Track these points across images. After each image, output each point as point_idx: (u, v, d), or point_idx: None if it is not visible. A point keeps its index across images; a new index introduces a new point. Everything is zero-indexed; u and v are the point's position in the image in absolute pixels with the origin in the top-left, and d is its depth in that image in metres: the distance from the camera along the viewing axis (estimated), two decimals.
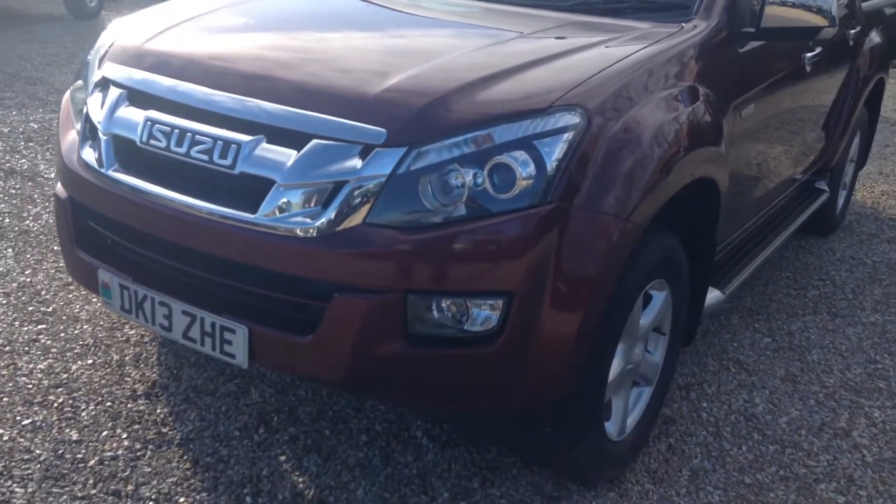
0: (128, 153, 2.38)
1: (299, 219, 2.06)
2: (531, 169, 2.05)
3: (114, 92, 2.48)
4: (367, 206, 2.03)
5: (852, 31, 4.26)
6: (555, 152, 2.07)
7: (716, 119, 2.67)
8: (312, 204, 2.05)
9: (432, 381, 2.16)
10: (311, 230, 2.05)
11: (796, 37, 3.04)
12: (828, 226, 4.99)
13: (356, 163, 2.04)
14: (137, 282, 2.36)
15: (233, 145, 2.15)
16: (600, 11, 2.84)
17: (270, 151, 2.12)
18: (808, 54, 3.50)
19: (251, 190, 2.12)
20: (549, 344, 2.13)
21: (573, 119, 2.11)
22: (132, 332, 3.32)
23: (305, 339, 2.11)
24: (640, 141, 2.26)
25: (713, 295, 3.12)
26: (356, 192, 2.03)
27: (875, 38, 4.76)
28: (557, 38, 2.58)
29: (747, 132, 3.05)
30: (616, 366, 2.44)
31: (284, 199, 2.08)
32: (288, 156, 2.09)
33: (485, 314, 2.08)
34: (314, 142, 2.08)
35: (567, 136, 2.09)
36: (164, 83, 2.37)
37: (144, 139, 2.31)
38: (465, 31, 2.80)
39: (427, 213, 2.04)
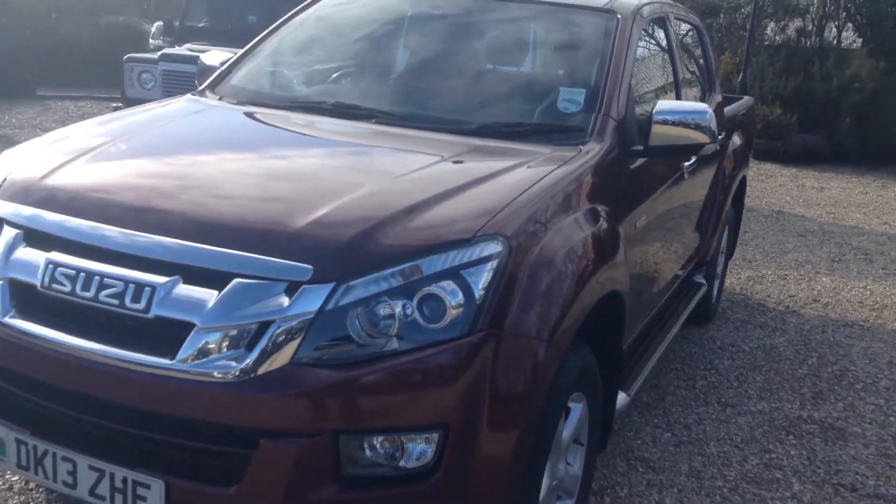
0: (26, 298, 2.25)
1: (222, 362, 1.99)
2: (460, 298, 2.07)
3: (8, 232, 2.34)
4: (293, 346, 1.98)
5: (719, 137, 4.58)
6: (481, 281, 2.10)
7: (615, 235, 2.79)
8: (236, 346, 1.99)
9: None
10: (235, 374, 1.98)
11: (681, 153, 3.25)
12: (706, 315, 5.25)
13: (282, 301, 2.00)
14: (37, 436, 2.19)
15: (146, 288, 2.07)
16: (502, 136, 2.93)
17: (188, 293, 2.06)
18: (686, 163, 3.73)
19: (168, 334, 2.04)
20: (485, 471, 2.12)
21: (496, 248, 2.16)
22: (15, 477, 3.07)
23: (230, 490, 2.02)
24: (555, 264, 2.33)
25: (620, 398, 3.21)
26: (282, 332, 1.98)
27: (737, 140, 5.14)
28: (471, 164, 2.65)
29: (641, 241, 3.20)
30: (545, 484, 2.44)
31: (205, 343, 2.01)
32: (207, 297, 2.03)
33: (420, 448, 2.05)
34: (236, 281, 2.03)
35: (491, 264, 2.13)
36: (65, 222, 2.27)
37: (46, 283, 2.18)
38: (380, 156, 2.83)
39: (357, 348, 2.02)
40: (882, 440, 3.91)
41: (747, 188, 9.31)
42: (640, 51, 3.50)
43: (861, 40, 16.03)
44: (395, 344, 2.02)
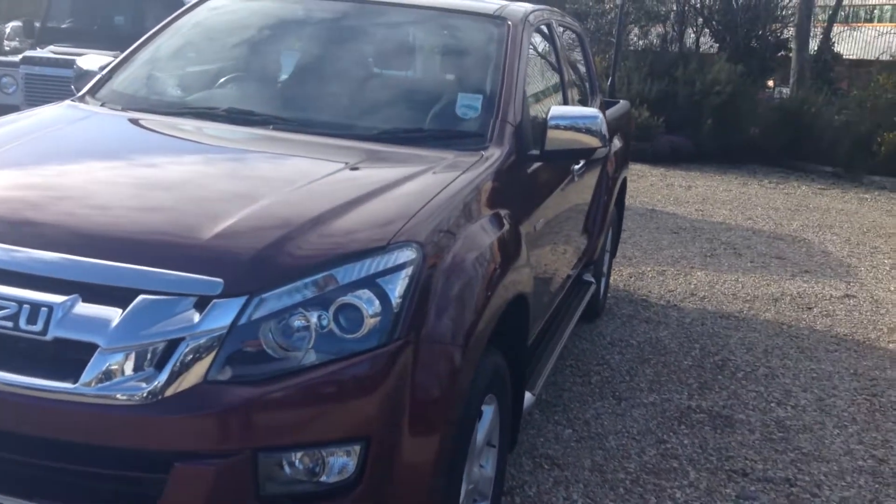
0: None
1: (130, 384, 1.89)
2: (377, 307, 2.05)
3: None
4: (206, 363, 1.91)
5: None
6: (397, 288, 2.09)
7: (518, 238, 2.83)
8: (144, 367, 1.90)
9: None
10: (144, 395, 1.89)
11: (575, 157, 3.33)
12: (594, 312, 5.40)
13: (192, 317, 1.92)
14: None
15: (42, 308, 1.94)
16: (402, 141, 2.92)
17: (89, 312, 1.94)
18: (576, 166, 3.83)
19: (69, 357, 1.92)
20: (408, 480, 2.10)
21: (411, 254, 2.14)
22: None
23: None
24: (466, 269, 2.34)
25: (526, 397, 3.25)
26: (193, 349, 1.90)
27: (617, 143, 5.31)
28: (376, 170, 2.63)
29: (540, 243, 3.26)
30: (463, 488, 2.45)
31: (110, 364, 1.90)
32: (111, 315, 1.92)
33: (342, 462, 2.02)
34: (141, 297, 1.93)
35: (407, 271, 2.12)
36: None
37: None
38: (283, 163, 2.76)
39: (273, 362, 1.96)
40: (765, 425, 4.13)
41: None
42: (531, 57, 3.57)
43: (718, 45, 16.97)
44: (312, 357, 1.97)
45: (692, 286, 6.42)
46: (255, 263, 2.00)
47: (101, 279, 1.96)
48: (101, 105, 3.16)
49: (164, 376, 1.88)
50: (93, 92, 3.27)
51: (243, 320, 1.94)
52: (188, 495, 1.90)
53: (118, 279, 1.95)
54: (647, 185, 10.84)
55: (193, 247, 2.02)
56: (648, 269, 6.81)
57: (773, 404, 4.39)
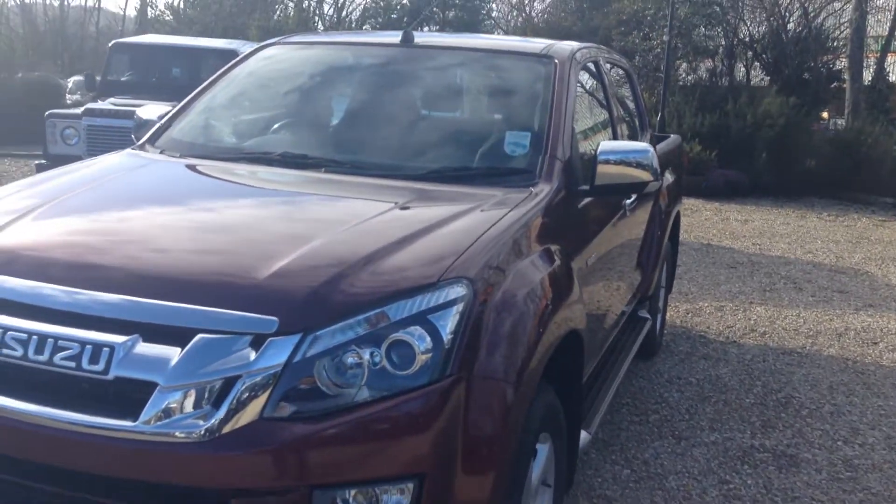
0: None
1: (188, 422, 1.92)
2: (428, 343, 2.05)
3: None
4: (262, 400, 1.93)
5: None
6: (448, 325, 2.09)
7: (570, 274, 2.81)
8: (201, 404, 1.92)
9: None
10: (202, 433, 1.91)
11: (626, 192, 3.31)
12: (651, 349, 5.32)
13: (248, 355, 1.95)
14: None
15: (104, 348, 1.99)
16: (451, 180, 2.94)
17: (149, 351, 1.98)
18: (628, 201, 3.81)
19: (129, 395, 1.96)
20: None
21: (461, 290, 2.14)
22: None
23: None
24: (517, 305, 2.33)
25: (582, 436, 3.20)
26: (249, 387, 1.93)
27: (669, 177, 5.27)
28: (425, 209, 2.65)
29: (592, 279, 3.24)
30: None
31: (169, 402, 1.93)
32: (170, 355, 1.96)
33: (395, 500, 2.01)
34: (199, 337, 1.97)
35: (458, 307, 2.12)
36: (16, 285, 2.16)
37: None
38: (335, 204, 2.80)
39: (327, 399, 1.97)
40: (832, 465, 3.99)
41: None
42: (579, 94, 3.58)
43: (769, 78, 16.81)
44: (365, 393, 1.98)
45: (752, 322, 6.28)
46: (308, 301, 2.03)
47: (160, 319, 2.01)
48: (161, 153, 3.25)
49: (221, 413, 1.91)
50: (152, 141, 3.37)
51: (298, 358, 1.96)
52: None
53: (176, 319, 2.00)
54: (701, 220, 10.71)
55: (249, 286, 2.06)
56: (706, 304, 6.70)
57: (839, 442, 4.25)
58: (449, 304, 2.10)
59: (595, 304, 3.39)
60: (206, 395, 1.92)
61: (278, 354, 1.95)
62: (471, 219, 2.53)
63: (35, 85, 16.15)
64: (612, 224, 3.62)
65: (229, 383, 1.93)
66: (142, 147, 3.34)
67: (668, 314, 6.27)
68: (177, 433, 1.91)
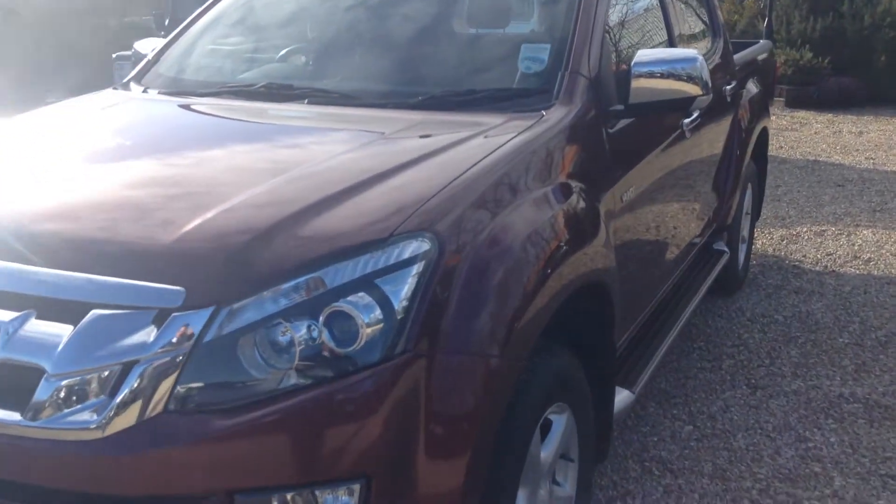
0: None
1: (79, 416, 1.61)
2: (377, 314, 1.67)
3: None
4: (165, 389, 1.60)
5: (728, 87, 4.09)
6: (402, 290, 1.70)
7: (594, 214, 2.36)
8: (95, 395, 1.61)
9: None
10: (94, 430, 1.60)
11: (669, 109, 2.79)
12: (732, 284, 4.77)
13: (149, 334, 1.62)
14: None
15: None
16: (452, 107, 2.51)
17: (39, 331, 1.67)
18: (686, 120, 3.27)
19: (18, 383, 1.66)
20: None
21: (422, 246, 1.75)
22: None
23: None
24: (509, 259, 1.92)
25: (622, 396, 2.79)
26: (150, 373, 1.60)
27: (752, 88, 4.64)
28: (404, 143, 2.24)
29: (632, 215, 2.77)
30: None
31: (58, 392, 1.63)
32: (61, 335, 1.65)
33: (342, 501, 1.66)
34: (93, 313, 1.65)
35: (416, 267, 1.73)
36: None
37: None
38: (296, 143, 2.42)
39: (249, 386, 1.63)
40: None
41: (780, 139, 8.75)
42: None
43: None
44: (293, 378, 1.63)
45: (855, 248, 5.60)
46: (223, 267, 1.68)
47: (52, 292, 1.70)
48: (144, 91, 2.95)
49: (117, 405, 1.60)
50: (138, 78, 3.07)
51: (209, 336, 1.62)
52: None
53: (69, 291, 1.68)
54: (810, 134, 9.78)
55: (153, 250, 1.72)
56: (804, 229, 6.02)
57: None
58: (403, 264, 1.72)
59: (640, 243, 2.92)
60: (101, 384, 1.61)
61: (185, 333, 1.61)
62: (452, 154, 2.11)
63: (128, 29, 16.29)
64: (664, 149, 3.10)
65: (127, 369, 1.61)
66: (125, 85, 3.04)
67: (757, 243, 5.67)
68: (66, 429, 1.61)
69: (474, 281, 1.82)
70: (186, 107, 2.74)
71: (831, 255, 5.49)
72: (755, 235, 5.56)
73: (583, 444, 2.41)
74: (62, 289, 1.68)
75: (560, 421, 2.26)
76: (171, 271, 1.66)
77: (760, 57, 5.17)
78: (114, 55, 8.13)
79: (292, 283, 1.66)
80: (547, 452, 2.20)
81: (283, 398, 1.61)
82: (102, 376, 1.61)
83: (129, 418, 1.59)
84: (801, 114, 11.03)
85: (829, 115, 10.93)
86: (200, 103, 2.73)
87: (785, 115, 10.83)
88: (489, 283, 1.84)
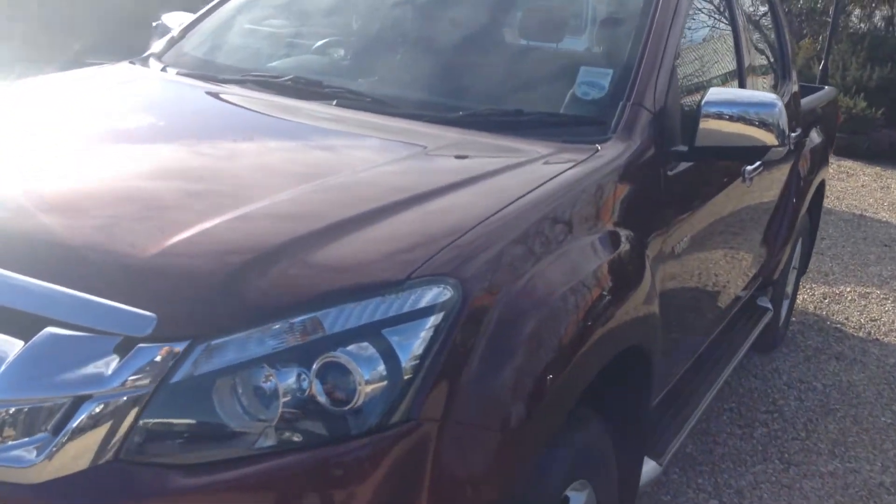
0: None
1: (18, 453, 1.35)
2: (380, 370, 1.40)
3: None
4: (119, 433, 1.34)
5: (793, 134, 3.78)
6: (414, 344, 1.42)
7: (642, 267, 2.08)
8: (38, 429, 1.35)
9: None
10: (31, 472, 1.34)
11: (740, 157, 2.50)
12: (771, 342, 4.45)
13: (107, 365, 1.35)
14: None
15: None
16: (495, 128, 2.22)
17: None
18: (749, 167, 2.97)
19: None
20: None
21: (444, 294, 1.47)
22: None
23: None
24: (542, 318, 1.63)
25: (648, 468, 2.49)
26: (103, 412, 1.34)
27: (815, 137, 4.32)
28: (436, 165, 1.97)
29: (682, 268, 2.48)
30: None
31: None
32: (8, 352, 1.39)
33: None
34: (47, 331, 1.38)
35: (434, 319, 1.45)
36: None
37: None
38: (313, 153, 2.14)
39: (222, 439, 1.36)
40: None
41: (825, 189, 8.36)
42: (693, 24, 2.76)
43: None
44: (272, 438, 1.35)
45: None
46: (208, 294, 1.41)
47: (10, 300, 1.43)
48: (163, 69, 2.69)
49: (60, 445, 1.33)
50: (160, 54, 2.81)
51: (178, 376, 1.35)
52: None
53: (25, 301, 1.41)
54: (856, 186, 9.40)
55: (129, 264, 1.45)
56: (848, 289, 5.68)
57: None
58: (419, 313, 1.44)
59: (686, 298, 2.63)
60: (46, 417, 1.35)
61: (150, 369, 1.34)
62: (494, 183, 1.83)
63: None
64: (722, 196, 2.81)
65: (78, 404, 1.34)
66: (146, 60, 2.78)
67: (798, 298, 5.33)
68: (3, 466, 1.34)
69: (503, 337, 1.54)
70: (202, 93, 2.47)
71: (876, 321, 5.14)
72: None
73: None
74: (14, 295, 1.42)
75: (579, 499, 1.98)
76: (145, 292, 1.40)
77: (825, 104, 4.85)
78: (154, 23, 7.93)
79: (285, 322, 1.39)
80: None
81: (257, 460, 1.34)
82: (49, 408, 1.34)
83: (71, 463, 1.33)
84: (849, 163, 10.64)
85: (878, 168, 10.54)
86: (219, 91, 2.45)
87: (832, 164, 10.44)
88: (521, 341, 1.56)
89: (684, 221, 2.44)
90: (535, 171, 1.94)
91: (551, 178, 1.88)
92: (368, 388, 1.38)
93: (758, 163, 3.03)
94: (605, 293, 1.85)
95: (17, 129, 2.11)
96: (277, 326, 1.38)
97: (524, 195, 1.77)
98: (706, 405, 3.06)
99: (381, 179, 1.86)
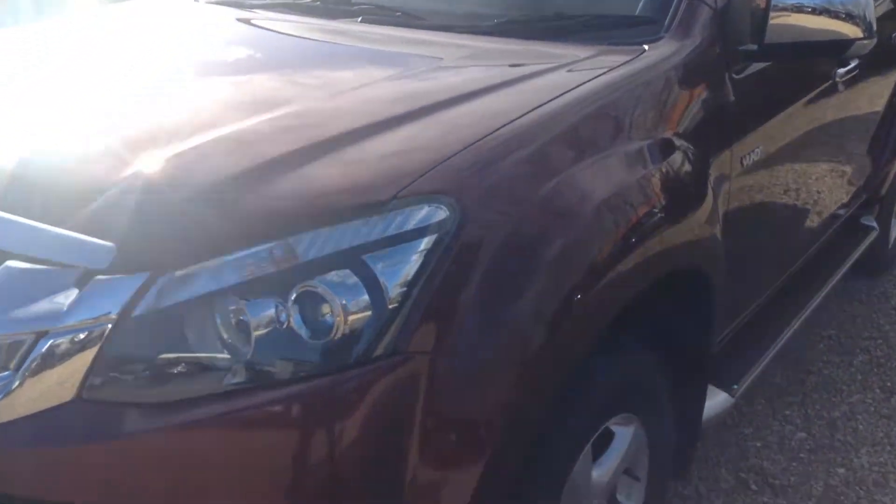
0: None
1: None
2: (363, 300, 1.28)
3: None
4: (77, 370, 1.28)
5: None
6: (401, 272, 1.29)
7: (700, 179, 1.87)
8: (1, 367, 1.30)
9: None
10: None
11: (817, 54, 2.21)
12: (878, 265, 4.09)
13: (65, 299, 1.28)
14: None
15: None
16: (534, 35, 2.03)
17: None
18: (841, 69, 2.64)
19: None
20: None
21: (435, 215, 1.33)
22: None
23: None
24: (566, 236, 1.47)
25: (717, 399, 2.31)
26: (61, 348, 1.27)
27: None
28: (456, 76, 1.80)
29: (755, 182, 2.24)
30: None
31: None
32: None
33: None
34: (7, 264, 1.33)
35: (424, 242, 1.31)
36: None
37: None
38: (319, 71, 1.99)
39: (187, 376, 1.28)
40: None
41: None
42: None
43: None
44: (243, 374, 1.26)
45: None
46: (168, 222, 1.32)
47: None
48: None
49: (20, 384, 1.28)
50: None
51: (140, 310, 1.27)
52: None
53: None
54: None
55: (93, 193, 1.37)
56: None
57: None
58: (407, 236, 1.30)
59: (761, 216, 2.38)
60: (6, 355, 1.29)
61: (108, 302, 1.27)
62: (507, 94, 1.65)
63: None
64: (808, 102, 2.51)
65: (37, 341, 1.29)
66: None
67: None
68: None
69: (515, 260, 1.39)
70: (223, 19, 2.38)
71: None
72: None
73: (654, 460, 1.97)
74: None
75: (625, 434, 1.84)
76: (105, 222, 1.31)
77: None
78: None
79: (254, 249, 1.28)
80: (602, 471, 1.80)
81: (228, 397, 1.26)
82: (10, 345, 1.29)
83: (31, 403, 1.28)
84: None
85: None
86: (241, 17, 2.35)
87: None
88: (539, 264, 1.41)
89: (757, 130, 2.19)
90: (564, 76, 1.75)
91: (583, 84, 1.69)
92: (350, 319, 1.26)
93: (852, 64, 2.70)
94: (649, 204, 1.66)
95: (28, 51, 2.08)
96: (245, 254, 1.28)
97: (545, 103, 1.59)
98: (792, 332, 2.81)
99: (378, 94, 1.71)
